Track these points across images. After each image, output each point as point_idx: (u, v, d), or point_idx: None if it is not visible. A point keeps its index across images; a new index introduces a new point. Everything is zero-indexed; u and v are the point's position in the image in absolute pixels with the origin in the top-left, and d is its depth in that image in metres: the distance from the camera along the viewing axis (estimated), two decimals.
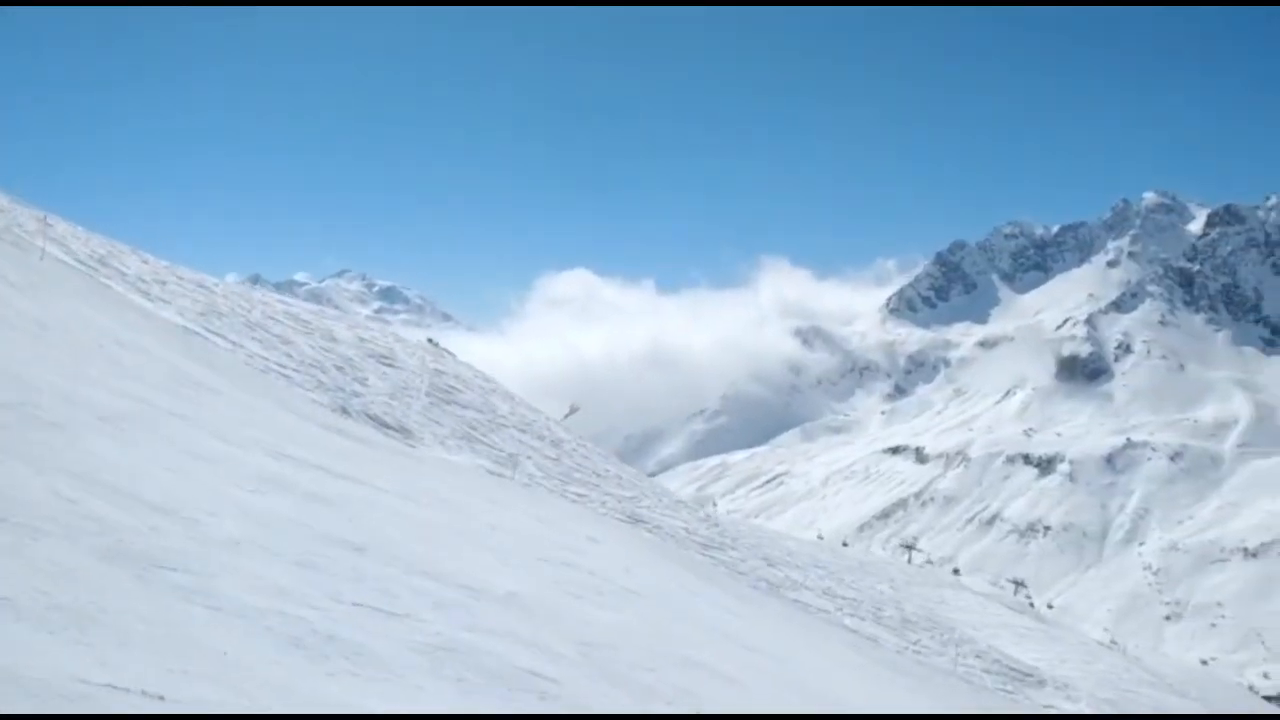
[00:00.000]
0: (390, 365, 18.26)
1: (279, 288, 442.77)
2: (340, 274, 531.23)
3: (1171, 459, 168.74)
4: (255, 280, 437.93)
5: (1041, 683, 16.30)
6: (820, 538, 51.74)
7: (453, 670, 5.06)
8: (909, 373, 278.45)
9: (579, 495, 15.63)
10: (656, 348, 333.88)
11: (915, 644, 14.88)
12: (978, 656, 15.89)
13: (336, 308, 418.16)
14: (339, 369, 16.14)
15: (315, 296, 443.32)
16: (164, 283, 15.19)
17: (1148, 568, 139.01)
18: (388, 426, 14.77)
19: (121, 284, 13.58)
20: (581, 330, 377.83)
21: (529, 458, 16.80)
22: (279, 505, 6.98)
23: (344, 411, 14.22)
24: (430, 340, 23.35)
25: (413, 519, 8.27)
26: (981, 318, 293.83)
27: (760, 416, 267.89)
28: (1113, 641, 37.75)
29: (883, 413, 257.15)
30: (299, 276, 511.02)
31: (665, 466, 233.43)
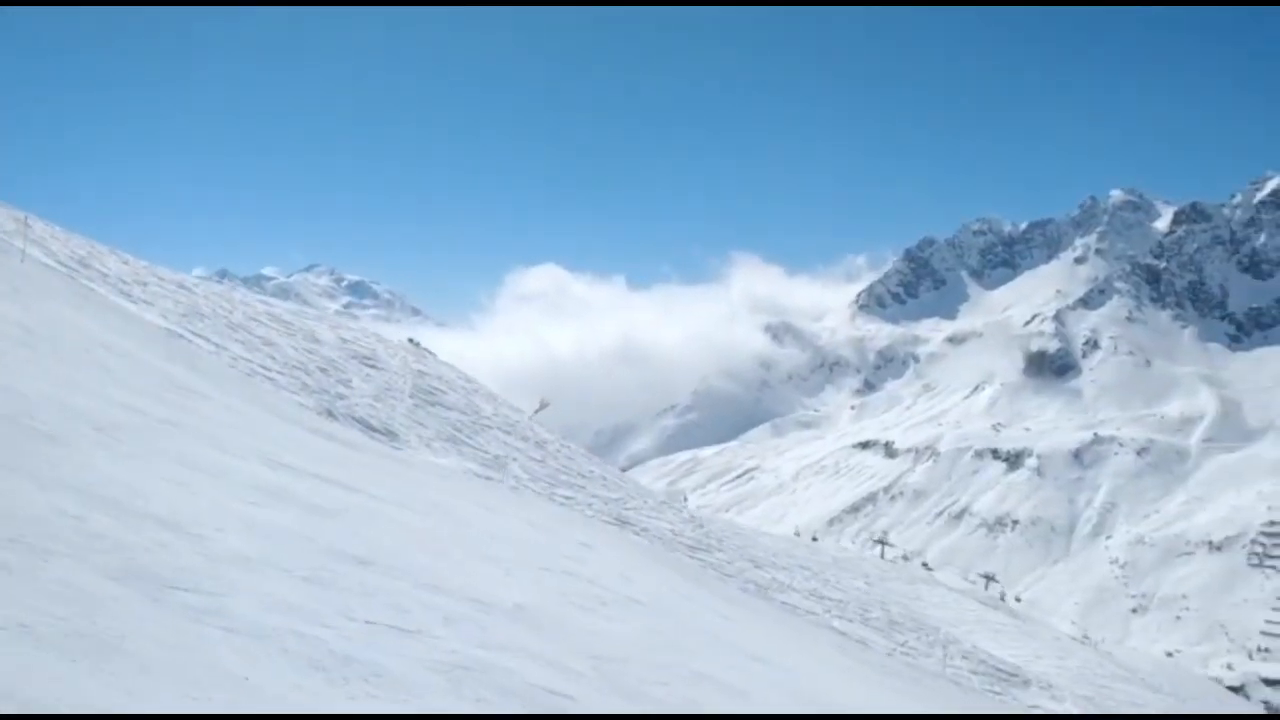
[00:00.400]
0: (373, 366, 18.11)
1: (247, 282, 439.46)
2: (309, 269, 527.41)
3: (1138, 454, 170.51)
4: (223, 275, 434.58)
5: (1026, 683, 16.38)
6: (797, 534, 51.95)
7: (471, 690, 5.01)
8: (878, 368, 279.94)
9: (566, 498, 15.57)
10: (627, 343, 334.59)
11: (903, 645, 14.92)
12: (964, 657, 15.97)
13: (305, 303, 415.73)
14: (323, 371, 15.99)
15: (283, 291, 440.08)
16: (145, 284, 14.97)
17: (1114, 561, 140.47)
18: (373, 429, 14.64)
19: (103, 286, 13.36)
20: (552, 326, 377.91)
21: (515, 460, 16.72)
22: (281, 518, 6.90)
23: (330, 414, 14.08)
24: (411, 340, 23.19)
25: (413, 529, 8.20)
26: (950, 314, 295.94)
27: (731, 412, 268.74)
28: (1085, 636, 38.12)
29: (852, 408, 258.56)
30: (267, 271, 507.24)
31: (636, 461, 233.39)
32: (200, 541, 5.71)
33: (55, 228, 16.31)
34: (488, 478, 14.87)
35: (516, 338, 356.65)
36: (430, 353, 23.15)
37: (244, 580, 5.34)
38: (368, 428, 14.59)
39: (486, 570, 7.61)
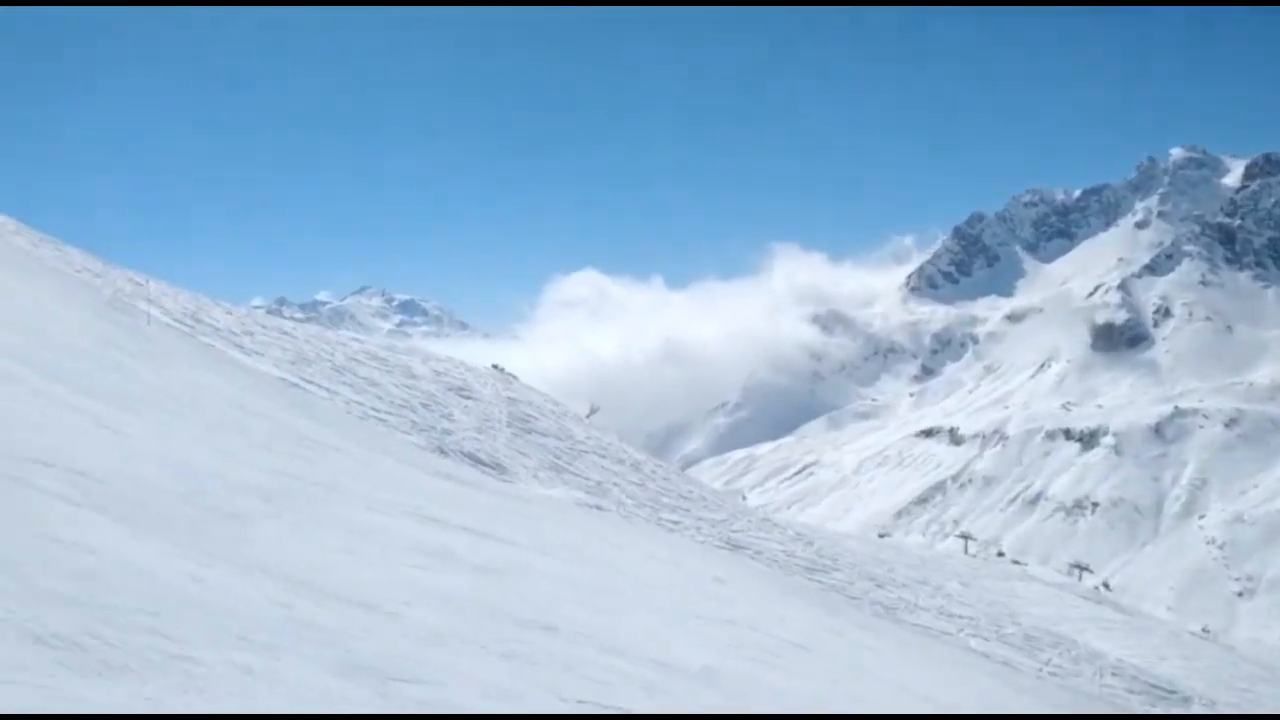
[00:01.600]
0: (468, 397, 18.19)
1: (304, 308, 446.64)
2: (360, 291, 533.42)
3: (1226, 425, 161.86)
4: (281, 303, 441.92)
5: (1187, 700, 15.58)
6: (882, 535, 51.36)
7: None
8: (935, 352, 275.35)
9: (674, 523, 15.46)
10: (670, 343, 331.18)
11: (1049, 664, 14.41)
12: (1115, 674, 15.36)
13: (360, 325, 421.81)
14: (425, 406, 16.09)
15: (338, 315, 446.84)
16: (251, 333, 15.18)
17: (1211, 542, 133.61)
18: (482, 463, 14.69)
19: (218, 340, 13.57)
20: (594, 331, 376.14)
21: (616, 485, 16.68)
22: (454, 582, 6.88)
23: (441, 451, 14.16)
24: (495, 366, 23.30)
25: (566, 581, 8.15)
26: (1007, 290, 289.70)
27: (783, 406, 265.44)
28: (1204, 630, 36.90)
29: (911, 395, 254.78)
30: (321, 296, 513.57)
31: (690, 462, 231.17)
32: (396, 620, 5.68)
33: (164, 284, 16.63)
34: (596, 506, 14.83)
35: (559, 345, 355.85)
36: (514, 377, 23.24)
37: (451, 663, 5.29)
38: (477, 462, 14.64)
39: (650, 624, 7.53)
